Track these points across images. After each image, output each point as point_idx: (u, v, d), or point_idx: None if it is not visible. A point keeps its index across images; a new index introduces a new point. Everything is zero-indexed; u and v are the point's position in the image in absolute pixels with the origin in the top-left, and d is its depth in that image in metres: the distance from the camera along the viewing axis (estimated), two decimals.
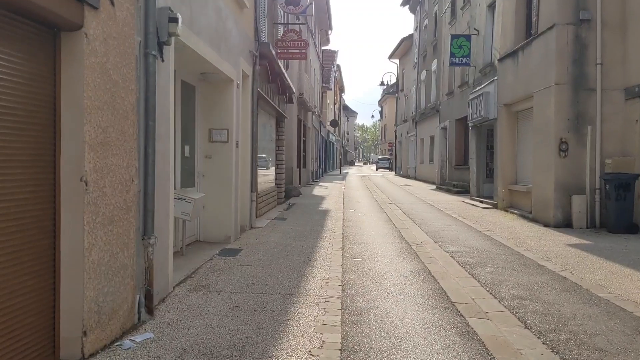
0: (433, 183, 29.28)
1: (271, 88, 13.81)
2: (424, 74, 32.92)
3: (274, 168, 16.42)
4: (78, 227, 3.89)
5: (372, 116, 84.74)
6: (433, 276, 6.99)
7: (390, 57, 44.21)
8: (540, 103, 12.60)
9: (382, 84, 43.85)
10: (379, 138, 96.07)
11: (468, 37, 19.17)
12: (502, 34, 15.68)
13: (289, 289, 6.17)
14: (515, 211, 14.32)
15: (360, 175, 43.41)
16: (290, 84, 16.19)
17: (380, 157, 67.27)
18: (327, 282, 6.48)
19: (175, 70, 7.86)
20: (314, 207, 16.06)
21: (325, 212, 14.46)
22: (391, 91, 74.03)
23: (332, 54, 45.67)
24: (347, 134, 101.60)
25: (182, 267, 6.96)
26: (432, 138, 30.63)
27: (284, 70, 13.89)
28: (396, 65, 45.01)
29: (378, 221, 12.80)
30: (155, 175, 5.15)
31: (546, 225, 11.95)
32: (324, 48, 39.30)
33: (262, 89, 11.62)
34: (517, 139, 15.32)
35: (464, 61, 19.16)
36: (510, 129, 15.40)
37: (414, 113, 36.42)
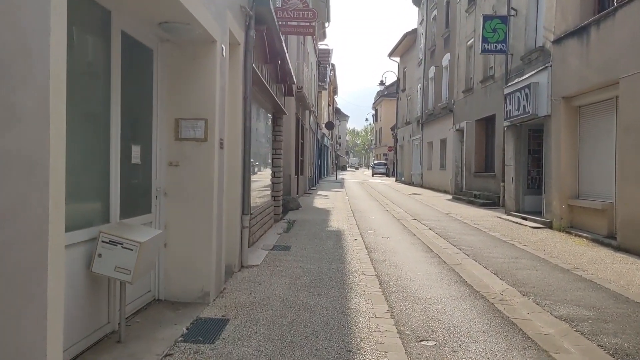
0: (445, 192, 25.99)
1: (268, 71, 10.41)
2: (432, 70, 29.69)
3: (269, 175, 13.00)
4: None
5: (367, 119, 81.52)
6: None
7: (391, 54, 41.01)
8: (632, 91, 9.33)
9: (381, 83, 40.61)
10: (373, 142, 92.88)
11: (504, 19, 15.90)
12: (559, 9, 12.41)
13: None
14: (583, 234, 11.02)
15: (359, 182, 40.06)
16: (292, 70, 12.80)
17: (376, 162, 63.99)
18: None
19: (110, 12, 4.46)
20: (320, 226, 12.66)
21: (338, 235, 11.07)
22: (385, 93, 71.02)
23: (327, 52, 42.57)
24: (339, 137, 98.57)
25: None
26: (443, 141, 27.36)
27: (285, 49, 10.51)
28: (397, 64, 41.80)
29: (415, 251, 9.43)
30: None
31: None
32: (320, 44, 35.96)
33: (257, 70, 8.23)
34: (578, 141, 12.05)
35: (498, 47, 15.88)
36: (570, 129, 12.12)
37: (419, 114, 33.17)
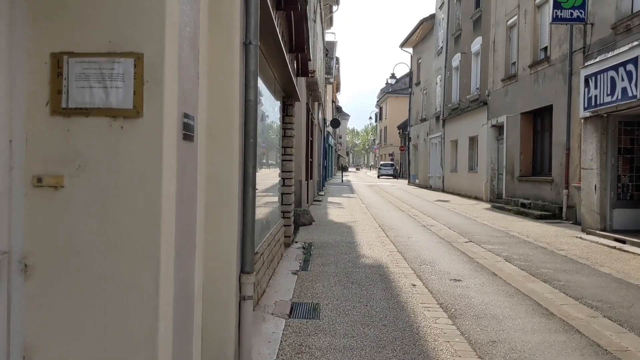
0: (477, 198, 22.30)
1: (280, 26, 6.67)
2: (456, 59, 26.00)
3: (277, 183, 9.24)
4: None
5: (370, 117, 77.80)
6: None
7: (403, 45, 37.30)
8: None
9: (392, 76, 36.91)
10: (375, 142, 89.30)
11: None
12: None
13: None
14: None
15: (368, 185, 36.34)
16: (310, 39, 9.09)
17: (382, 163, 60.22)
18: None
19: None
20: (349, 254, 8.96)
21: (383, 275, 7.37)
22: (391, 90, 67.41)
23: (332, 45, 39.08)
24: (340, 137, 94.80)
25: None
26: (473, 139, 23.66)
27: None
28: (409, 55, 38.06)
29: (522, 313, 5.73)
30: None
31: None
32: (326, 32, 32.24)
33: (264, 27, 4.43)
34: None
35: (575, 15, 12.18)
36: None
37: (439, 109, 29.47)
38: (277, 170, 9.14)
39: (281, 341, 4.62)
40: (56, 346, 2.06)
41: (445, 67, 28.03)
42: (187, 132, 2.39)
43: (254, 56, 3.83)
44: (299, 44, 8.42)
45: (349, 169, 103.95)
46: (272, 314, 5.40)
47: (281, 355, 4.31)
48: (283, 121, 9.59)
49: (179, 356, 2.32)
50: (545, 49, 16.29)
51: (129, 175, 2.05)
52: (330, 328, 5.04)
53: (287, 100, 9.70)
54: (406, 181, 40.53)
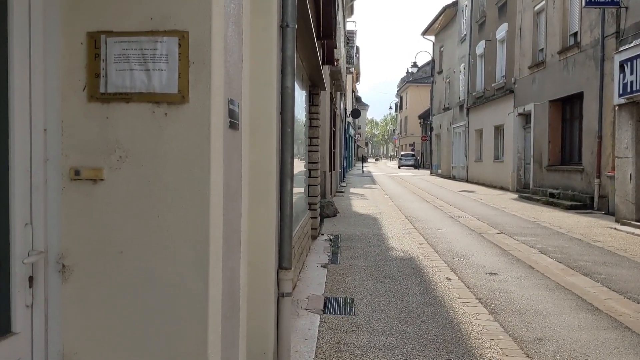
0: (502, 188, 21.91)
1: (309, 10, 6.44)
2: (481, 46, 25.50)
3: (303, 174, 9.05)
4: None
5: (390, 107, 77.09)
6: None
7: (424, 33, 36.73)
8: None
9: (414, 65, 36.43)
10: (395, 132, 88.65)
11: None
12: None
13: None
14: None
15: (389, 176, 36.01)
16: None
17: (403, 153, 59.66)
18: None
19: None
20: (378, 247, 8.76)
21: (415, 269, 7.15)
22: (411, 79, 66.69)
23: (353, 34, 38.65)
24: (359, 128, 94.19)
25: None
26: (498, 128, 23.22)
27: None
28: (431, 43, 37.49)
29: (572, 311, 5.48)
30: None
31: None
32: (347, 20, 31.85)
33: (297, 10, 4.22)
34: None
35: None
36: None
37: (462, 98, 28.98)
38: (304, 161, 8.95)
39: (318, 338, 4.44)
40: (97, 354, 1.89)
41: (469, 54, 27.52)
42: (233, 120, 2.19)
43: (291, 40, 3.62)
44: (327, 31, 8.19)
45: (368, 160, 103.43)
46: (306, 309, 5.22)
47: (319, 354, 4.12)
48: (309, 111, 9.38)
49: None
50: (575, 34, 15.82)
51: (174, 167, 1.86)
52: (368, 325, 4.85)
53: (313, 89, 9.49)
54: (428, 172, 40.12)
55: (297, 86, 7.04)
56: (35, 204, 1.81)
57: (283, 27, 3.59)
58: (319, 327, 4.73)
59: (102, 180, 1.88)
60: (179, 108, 1.86)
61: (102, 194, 1.89)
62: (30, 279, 1.80)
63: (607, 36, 13.21)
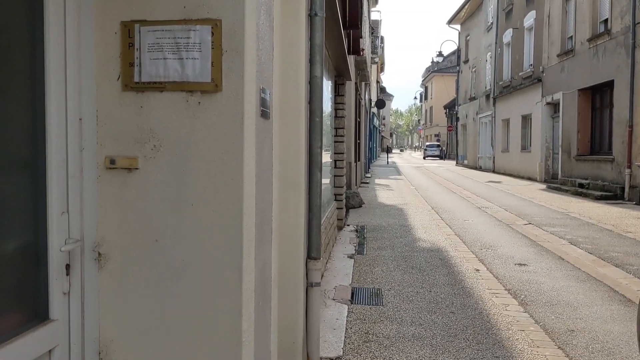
0: (530, 179, 21.61)
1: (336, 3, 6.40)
2: (507, 34, 25.09)
3: (329, 165, 9.03)
4: None
5: (415, 97, 76.53)
6: None
7: (450, 22, 36.31)
8: None
9: (439, 54, 36.03)
10: (420, 123, 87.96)
11: None
12: None
13: None
14: None
15: (415, 167, 35.77)
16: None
17: (428, 143, 59.21)
18: None
19: None
20: (405, 237, 8.71)
21: (443, 260, 7.10)
22: (436, 69, 65.98)
23: (377, 24, 38.37)
24: (384, 118, 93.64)
25: None
26: (526, 118, 22.88)
27: None
28: (457, 32, 37.03)
29: (612, 311, 5.38)
30: None
31: None
32: (372, 10, 31.61)
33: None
34: None
35: None
36: None
37: (489, 87, 28.60)
38: (329, 152, 8.95)
39: (346, 328, 4.44)
40: (133, 341, 1.92)
41: (495, 43, 27.11)
42: (264, 109, 2.18)
43: (319, 29, 3.60)
44: (353, 20, 8.13)
45: (393, 151, 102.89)
46: (334, 299, 5.23)
47: (348, 343, 4.13)
48: (334, 101, 9.35)
49: (259, 351, 2.15)
50: (606, 21, 15.45)
51: (208, 156, 1.86)
52: (396, 315, 4.83)
53: (339, 79, 9.46)
54: (453, 162, 39.76)
55: (323, 76, 7.01)
56: (72, 193, 1.83)
57: (311, 16, 3.57)
58: (347, 317, 4.73)
59: (136, 169, 1.90)
60: (212, 97, 1.86)
61: (136, 182, 1.91)
62: (67, 266, 1.82)
63: (638, 23, 12.88)
